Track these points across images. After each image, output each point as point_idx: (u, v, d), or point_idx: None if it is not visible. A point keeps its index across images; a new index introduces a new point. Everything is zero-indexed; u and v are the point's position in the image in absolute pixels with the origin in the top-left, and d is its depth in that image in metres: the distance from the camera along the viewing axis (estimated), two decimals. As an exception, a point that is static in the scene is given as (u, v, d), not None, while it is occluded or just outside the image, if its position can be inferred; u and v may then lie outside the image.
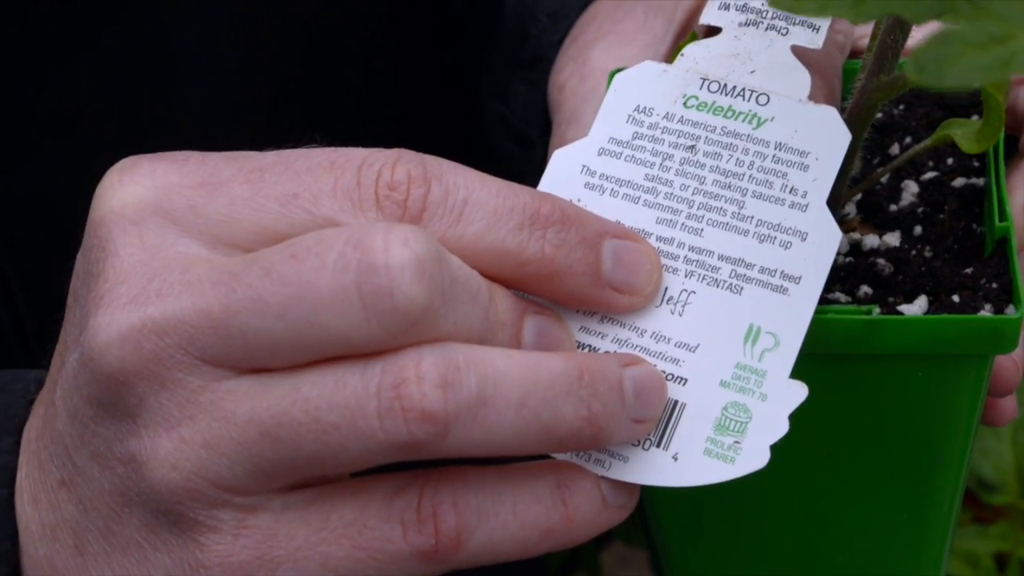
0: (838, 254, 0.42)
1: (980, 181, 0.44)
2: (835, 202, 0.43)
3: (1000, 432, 0.93)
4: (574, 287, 0.37)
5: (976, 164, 0.45)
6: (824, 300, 0.40)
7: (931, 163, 0.45)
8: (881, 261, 0.41)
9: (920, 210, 0.44)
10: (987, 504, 0.93)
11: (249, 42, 0.60)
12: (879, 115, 0.48)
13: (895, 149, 0.47)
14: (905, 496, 0.42)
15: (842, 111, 0.40)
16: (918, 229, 0.43)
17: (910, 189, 0.44)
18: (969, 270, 0.40)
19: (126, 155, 0.38)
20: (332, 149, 0.36)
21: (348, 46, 0.66)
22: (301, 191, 0.35)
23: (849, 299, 0.40)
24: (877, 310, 0.38)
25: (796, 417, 0.36)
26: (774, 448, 0.36)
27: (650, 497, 0.44)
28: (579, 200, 0.39)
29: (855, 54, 0.48)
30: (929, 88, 0.28)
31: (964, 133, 0.41)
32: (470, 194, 0.36)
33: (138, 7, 0.55)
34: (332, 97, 0.66)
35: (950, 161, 0.45)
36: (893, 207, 0.44)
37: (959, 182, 0.44)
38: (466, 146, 0.72)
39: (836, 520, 0.43)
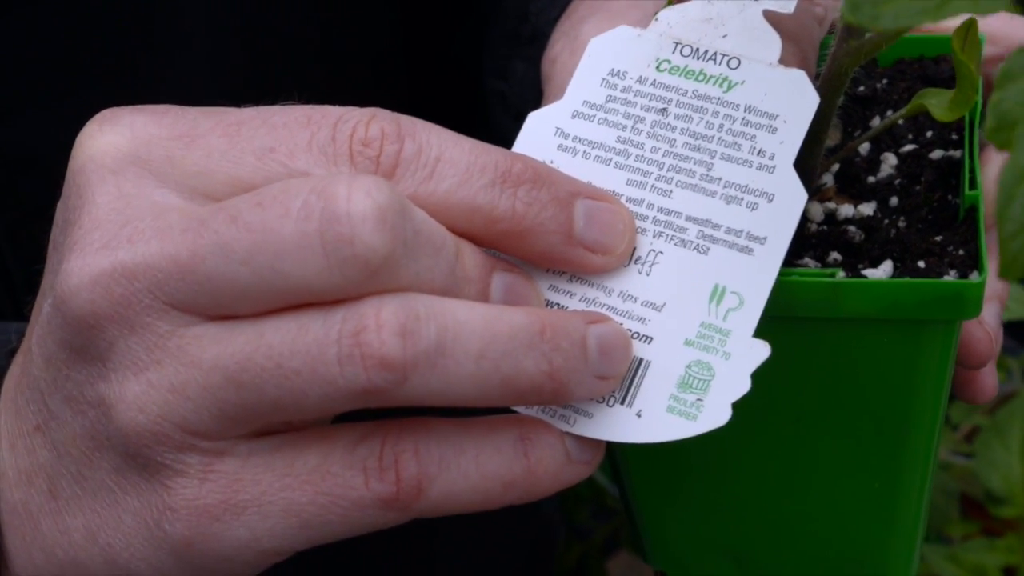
0: (812, 222, 0.42)
1: (958, 154, 0.44)
2: (811, 172, 0.43)
3: (1009, 444, 0.93)
4: (545, 246, 0.37)
5: (955, 137, 0.45)
6: (795, 266, 0.40)
7: (911, 136, 0.45)
8: (852, 228, 0.41)
9: (897, 181, 0.44)
10: (995, 517, 0.92)
11: (249, 13, 0.61)
12: (861, 88, 0.48)
13: (876, 122, 0.47)
14: (874, 465, 0.42)
15: (816, 80, 0.40)
16: (894, 200, 0.43)
17: (888, 161, 0.45)
18: (938, 238, 0.40)
19: (114, 106, 0.38)
20: (309, 106, 0.37)
21: (355, 22, 0.67)
22: (277, 145, 0.36)
23: (819, 265, 0.40)
24: (841, 274, 0.38)
25: (763, 381, 0.36)
26: (741, 411, 0.36)
27: (623, 462, 0.45)
28: (552, 161, 0.40)
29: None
30: (861, 26, 0.28)
31: (938, 102, 0.41)
32: (443, 152, 0.36)
33: None
34: (336, 74, 0.67)
35: (929, 133, 0.45)
36: (871, 178, 0.44)
37: (937, 154, 0.44)
38: (471, 126, 0.73)
39: (807, 488, 0.44)
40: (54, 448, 0.37)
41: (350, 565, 0.65)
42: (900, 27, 0.27)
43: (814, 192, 0.43)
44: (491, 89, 0.66)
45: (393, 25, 0.70)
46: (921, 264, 0.39)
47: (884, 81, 0.48)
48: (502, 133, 0.66)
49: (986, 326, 0.42)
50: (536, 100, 0.61)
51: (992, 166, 0.44)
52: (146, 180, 0.36)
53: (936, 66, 0.48)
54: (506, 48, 0.65)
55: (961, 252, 0.39)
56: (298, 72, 0.64)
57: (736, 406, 0.36)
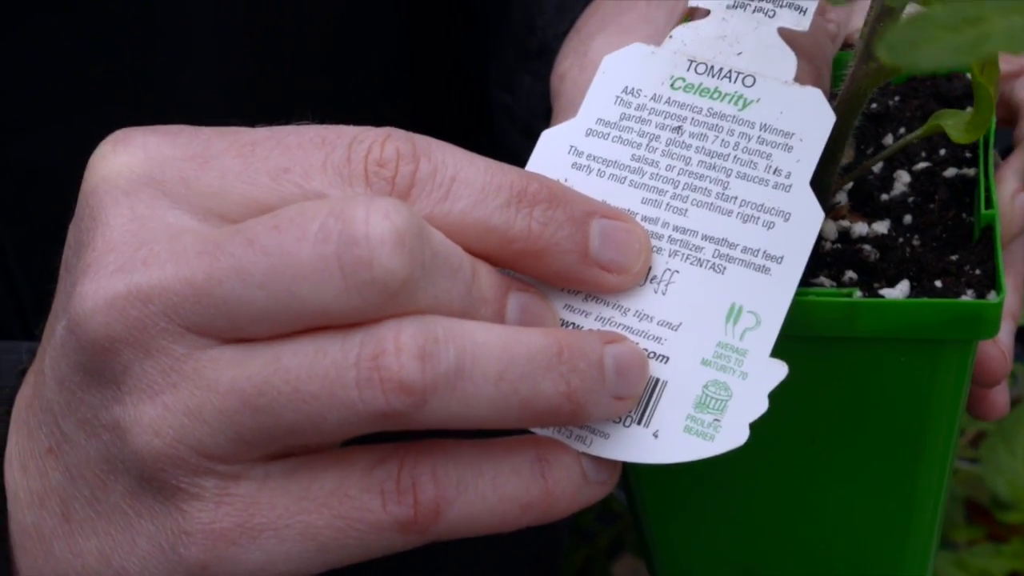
0: (826, 241, 0.42)
1: (971, 171, 0.44)
2: (825, 190, 0.43)
3: (1014, 449, 0.93)
4: (561, 265, 0.37)
5: (968, 155, 0.45)
6: (810, 285, 0.40)
7: (924, 153, 0.45)
8: (867, 247, 0.41)
9: (911, 199, 0.44)
10: (1001, 522, 0.92)
11: (259, 27, 0.61)
12: (873, 106, 0.48)
13: (889, 140, 0.47)
14: (889, 483, 0.42)
15: (832, 99, 0.40)
16: (908, 218, 0.43)
17: (902, 179, 0.45)
18: (954, 257, 0.40)
19: (124, 123, 0.38)
20: (324, 126, 0.37)
21: (362, 35, 0.67)
22: (292, 166, 0.36)
23: (834, 284, 0.40)
24: (858, 293, 0.38)
25: (779, 401, 0.36)
26: (757, 430, 0.36)
27: (637, 480, 0.45)
28: (566, 180, 0.40)
29: (850, 46, 0.48)
30: (904, 70, 0.28)
31: (955, 123, 0.41)
32: (458, 172, 0.36)
33: None
34: (344, 87, 0.67)
35: (943, 151, 0.45)
36: (884, 196, 0.44)
37: (950, 172, 0.44)
38: (477, 137, 0.73)
39: (820, 507, 0.43)
40: (67, 471, 0.37)
41: (354, 566, 0.64)
42: (937, 67, 0.26)
43: (828, 210, 0.43)
44: (498, 101, 0.66)
45: (399, 36, 0.70)
46: (938, 284, 0.38)
47: (896, 98, 0.48)
48: (508, 146, 0.66)
49: (1000, 345, 0.42)
50: (543, 114, 0.61)
51: (1006, 185, 0.43)
52: (160, 201, 0.36)
53: (949, 83, 0.48)
54: (513, 60, 0.65)
55: (978, 271, 0.39)
56: (306, 84, 0.64)
57: (752, 424, 0.36)
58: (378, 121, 0.70)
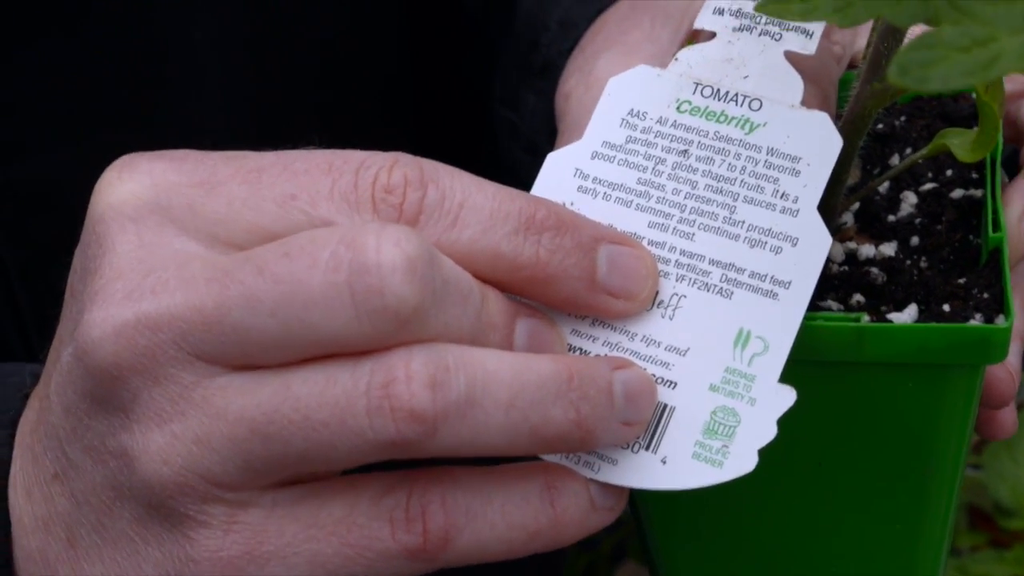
0: (833, 263, 0.42)
1: (979, 192, 0.44)
2: (831, 211, 0.43)
3: (1017, 456, 0.93)
4: (569, 292, 0.37)
5: (975, 176, 0.45)
6: (817, 308, 0.40)
7: (931, 174, 0.45)
8: (875, 270, 0.41)
9: (918, 221, 0.44)
10: (1004, 528, 0.92)
11: (261, 47, 0.61)
12: (879, 126, 0.48)
13: (895, 160, 0.47)
14: (897, 507, 0.42)
15: (837, 121, 0.40)
16: (915, 240, 0.43)
17: (909, 200, 0.45)
18: (962, 280, 0.40)
19: (129, 146, 0.38)
20: (331, 151, 0.37)
21: (364, 52, 0.67)
22: (299, 192, 0.36)
23: (842, 307, 0.40)
24: (866, 318, 0.38)
25: (788, 425, 0.36)
26: (765, 454, 0.36)
27: (644, 504, 0.45)
28: (571, 203, 0.40)
29: (854, 67, 0.48)
30: (911, 91, 0.28)
31: (960, 142, 0.41)
32: (466, 198, 0.36)
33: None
34: (346, 104, 0.67)
35: (949, 172, 0.45)
36: (891, 217, 0.44)
37: (957, 193, 0.44)
38: (478, 153, 0.73)
39: (829, 530, 0.43)
40: (73, 497, 0.36)
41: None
42: (948, 89, 0.26)
43: (835, 232, 0.43)
44: (501, 118, 0.66)
45: (402, 53, 0.70)
46: (946, 308, 0.38)
47: (903, 118, 0.48)
48: (511, 162, 0.66)
49: (1009, 366, 0.42)
50: (547, 132, 0.61)
51: (1014, 207, 0.43)
52: (167, 228, 0.36)
53: (955, 103, 0.48)
54: (516, 78, 0.65)
55: (986, 295, 0.39)
56: (309, 102, 0.64)
57: (760, 450, 0.36)
58: (381, 137, 0.70)
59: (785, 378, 0.36)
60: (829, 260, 0.42)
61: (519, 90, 0.64)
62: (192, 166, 0.37)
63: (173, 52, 0.57)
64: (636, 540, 0.95)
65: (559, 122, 0.54)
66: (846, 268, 0.42)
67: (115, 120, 0.56)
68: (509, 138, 0.65)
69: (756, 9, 0.32)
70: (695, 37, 0.44)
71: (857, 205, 0.44)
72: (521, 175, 0.63)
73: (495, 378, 0.34)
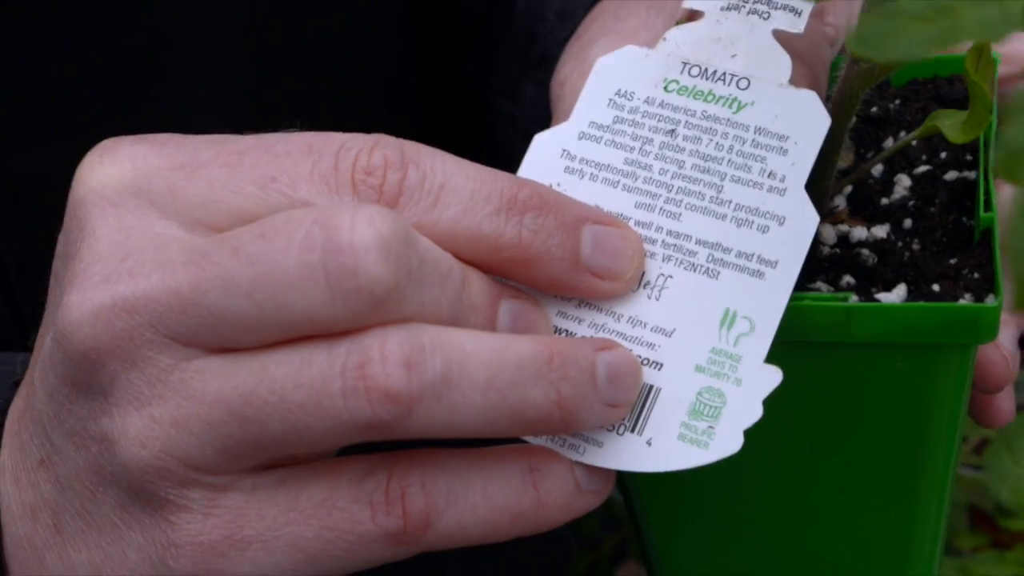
0: (824, 246, 0.42)
1: (972, 174, 0.43)
2: (823, 194, 0.42)
3: (1018, 456, 0.92)
4: (552, 272, 0.37)
5: (969, 158, 0.44)
6: (807, 290, 0.40)
7: (924, 157, 0.45)
8: (865, 252, 0.40)
9: (911, 203, 0.43)
10: (1005, 529, 0.92)
11: (261, 41, 0.60)
12: (873, 109, 0.47)
13: (889, 143, 0.46)
14: (890, 491, 0.41)
15: (828, 102, 0.40)
16: (908, 222, 0.42)
17: (902, 183, 0.44)
18: (953, 261, 0.39)
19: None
20: (312, 133, 0.37)
21: (366, 47, 0.67)
22: (279, 174, 0.36)
23: (831, 288, 0.40)
24: (854, 298, 0.38)
25: (777, 407, 0.36)
26: (755, 438, 0.35)
27: (637, 493, 0.44)
28: (558, 184, 0.39)
29: (849, 47, 0.47)
30: (868, 60, 0.27)
31: (951, 123, 0.40)
32: (447, 179, 0.36)
33: None
34: (348, 99, 0.67)
35: (943, 155, 0.45)
36: (884, 200, 0.44)
37: (951, 175, 0.44)
38: (481, 146, 0.73)
39: (822, 516, 0.43)
40: (58, 483, 0.36)
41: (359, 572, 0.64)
42: (908, 59, 0.26)
43: (826, 214, 0.43)
44: (500, 110, 0.66)
45: (403, 47, 0.70)
46: (936, 287, 0.38)
47: (897, 101, 0.47)
48: (511, 155, 0.65)
49: (1002, 349, 0.41)
50: (545, 122, 0.60)
51: (1008, 188, 0.43)
52: (147, 212, 0.36)
53: (950, 86, 0.47)
54: (515, 69, 0.65)
55: (976, 275, 0.38)
56: (309, 97, 0.64)
57: (749, 432, 0.35)
58: (382, 130, 0.70)
59: (773, 359, 0.36)
60: (820, 242, 0.42)
61: (518, 82, 0.64)
62: (173, 149, 0.37)
63: (171, 45, 0.57)
64: (637, 541, 0.94)
65: (553, 109, 0.54)
66: (837, 250, 0.41)
67: (112, 114, 0.56)
68: (508, 129, 0.65)
69: None
70: (689, 18, 0.44)
71: (850, 188, 0.44)
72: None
73: (473, 358, 0.33)
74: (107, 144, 0.37)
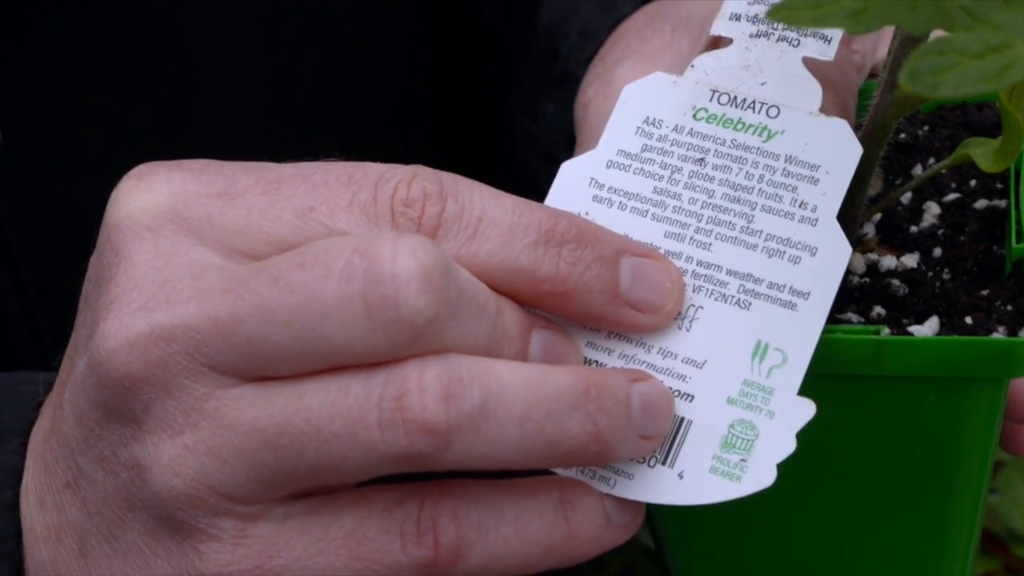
0: (854, 275, 0.42)
1: (1003, 203, 0.43)
2: (853, 222, 0.42)
3: (1031, 483, 0.92)
4: (590, 305, 0.36)
5: (1000, 186, 0.44)
6: (837, 321, 0.39)
7: (954, 184, 0.45)
8: (896, 282, 0.40)
9: (940, 232, 0.43)
10: (1018, 556, 0.91)
11: (277, 57, 0.61)
12: (902, 136, 0.47)
13: (918, 170, 0.46)
14: (920, 523, 0.41)
15: (857, 130, 0.40)
16: (937, 251, 0.42)
17: (931, 211, 0.44)
18: (985, 292, 0.39)
19: (145, 162, 0.38)
20: (350, 163, 0.37)
21: (380, 62, 0.67)
22: (318, 204, 0.35)
23: (862, 320, 0.39)
24: (886, 331, 0.37)
25: (807, 438, 0.35)
26: (783, 468, 0.35)
27: (662, 520, 0.44)
28: (587, 213, 0.39)
29: (875, 76, 0.47)
30: (930, 99, 0.27)
31: (983, 152, 0.40)
32: (485, 211, 0.36)
33: (160, 17, 0.56)
34: (363, 114, 0.67)
35: (973, 183, 0.45)
36: (914, 228, 0.43)
37: (981, 204, 0.43)
38: (496, 162, 0.73)
39: (850, 547, 0.43)
40: (84, 507, 0.36)
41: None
42: (962, 95, 0.26)
43: (856, 243, 0.43)
44: (520, 128, 0.66)
45: (418, 64, 0.70)
46: (968, 320, 0.38)
47: (926, 128, 0.47)
48: (530, 172, 0.66)
49: (1033, 380, 0.41)
50: (566, 142, 0.60)
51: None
52: (184, 238, 0.36)
53: (979, 112, 0.47)
54: (536, 87, 0.64)
55: (1009, 307, 0.38)
56: (328, 116, 0.64)
57: (779, 464, 0.35)
58: (399, 148, 0.70)
59: (804, 391, 0.36)
60: (850, 271, 0.42)
61: (538, 100, 0.64)
62: (211, 176, 0.37)
63: (200, 71, 0.57)
64: (643, 561, 0.94)
65: (578, 132, 0.54)
66: (867, 280, 0.41)
67: (136, 140, 0.56)
68: (528, 148, 0.65)
69: (768, 16, 0.31)
70: (715, 44, 0.44)
71: (879, 216, 0.44)
72: (540, 185, 0.63)
73: (510, 390, 0.33)
74: (144, 169, 0.37)
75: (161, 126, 0.57)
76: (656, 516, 0.43)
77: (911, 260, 0.42)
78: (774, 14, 0.30)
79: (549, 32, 0.64)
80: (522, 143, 0.66)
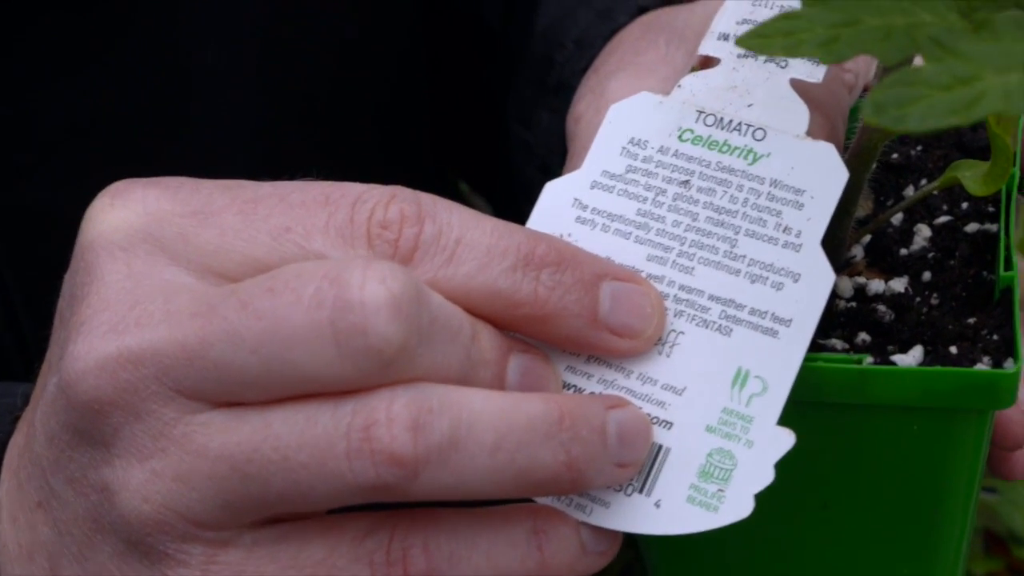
0: (841, 299, 0.41)
1: (994, 227, 0.43)
2: (840, 244, 0.42)
3: (1032, 484, 0.91)
4: (569, 330, 0.36)
5: (991, 209, 0.44)
6: (821, 347, 0.39)
7: (945, 207, 0.44)
8: (882, 308, 0.40)
9: (931, 255, 0.42)
10: (1019, 557, 0.91)
11: (273, 62, 0.60)
12: (894, 156, 0.46)
13: (910, 191, 0.45)
14: (906, 551, 0.41)
15: (846, 152, 0.39)
16: (927, 275, 0.41)
17: (922, 233, 0.43)
18: (972, 320, 0.39)
19: (136, 170, 0.38)
20: (329, 183, 0.36)
21: (378, 65, 0.66)
22: (293, 225, 0.35)
23: (847, 346, 0.39)
24: (869, 359, 0.37)
25: (790, 465, 0.35)
26: (768, 494, 0.35)
27: (646, 544, 0.44)
28: (570, 235, 0.39)
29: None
30: (885, 130, 0.26)
31: (972, 175, 0.39)
32: (463, 234, 0.35)
33: (151, 22, 0.55)
34: (359, 117, 0.66)
35: (965, 205, 0.44)
36: (904, 251, 0.43)
37: (972, 227, 0.43)
38: (494, 170, 0.72)
39: (836, 574, 0.42)
40: (55, 527, 0.36)
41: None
42: (926, 129, 0.25)
43: (843, 266, 0.42)
44: (516, 137, 0.66)
45: (417, 74, 0.69)
46: (953, 350, 0.37)
47: (918, 148, 0.47)
48: (525, 181, 0.65)
49: (1022, 407, 0.41)
50: (560, 151, 0.60)
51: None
52: (157, 258, 0.35)
53: (973, 133, 0.46)
54: (532, 96, 0.64)
55: (995, 337, 0.37)
56: (324, 119, 0.64)
57: (759, 494, 0.35)
58: (397, 150, 0.69)
59: (786, 418, 0.35)
60: (837, 295, 0.41)
61: (534, 108, 0.63)
62: (186, 195, 0.36)
63: (192, 76, 0.57)
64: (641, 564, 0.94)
65: (569, 145, 0.53)
66: (854, 304, 0.41)
67: (124, 148, 0.55)
68: (523, 157, 0.65)
69: (738, 43, 0.31)
70: (706, 64, 0.44)
71: (868, 238, 0.43)
72: (534, 194, 0.63)
73: (481, 419, 0.33)
74: (119, 187, 0.37)
75: (152, 132, 0.56)
76: (640, 539, 0.43)
77: (899, 284, 0.41)
78: (745, 42, 0.30)
79: (546, 39, 0.63)
80: (518, 152, 0.65)
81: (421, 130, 0.71)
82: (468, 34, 0.70)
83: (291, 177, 0.37)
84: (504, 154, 0.67)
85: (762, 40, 0.29)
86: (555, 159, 0.61)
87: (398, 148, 0.69)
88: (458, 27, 0.70)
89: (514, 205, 0.69)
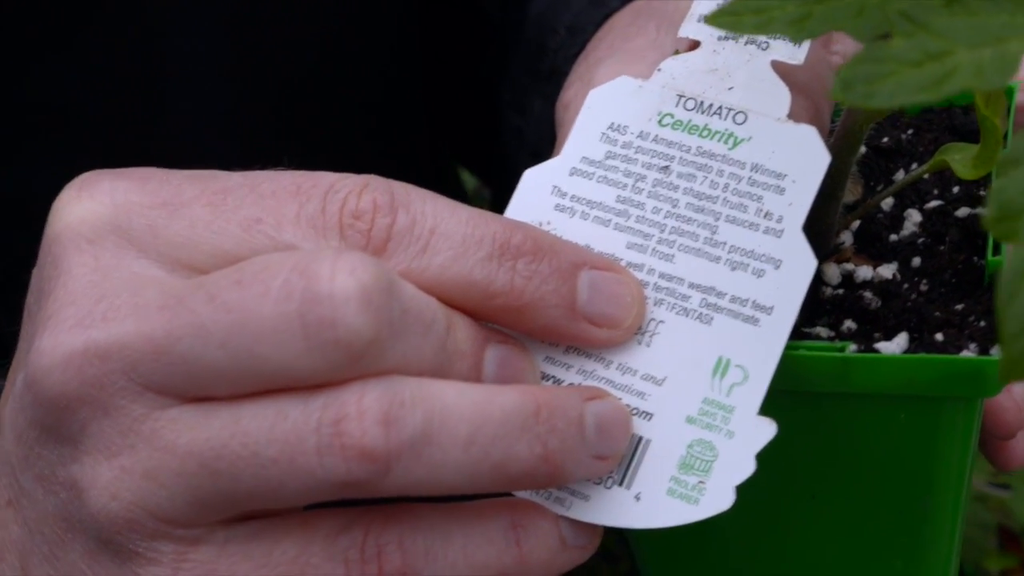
0: (828, 286, 0.40)
1: (985, 211, 0.42)
2: (827, 230, 0.41)
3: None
4: (547, 320, 0.35)
5: (982, 193, 0.43)
6: (807, 335, 0.38)
7: (936, 191, 0.43)
8: (868, 294, 0.39)
9: (921, 240, 0.41)
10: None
11: (247, 48, 0.59)
12: (885, 140, 0.46)
13: (900, 175, 0.45)
14: (897, 541, 0.40)
15: (831, 135, 0.38)
16: (916, 260, 0.41)
17: (912, 218, 0.42)
18: (959, 306, 0.38)
19: (110, 158, 0.37)
20: (300, 173, 0.36)
21: (365, 54, 0.65)
22: (264, 216, 0.34)
23: (832, 334, 0.38)
24: (852, 347, 0.36)
25: (776, 455, 0.34)
26: (756, 484, 0.34)
27: (634, 538, 0.43)
28: (548, 223, 0.38)
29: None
30: (853, 106, 0.26)
31: (961, 158, 0.39)
32: (437, 224, 0.35)
33: (121, 7, 0.55)
34: (345, 106, 0.65)
35: (956, 189, 0.43)
36: (893, 237, 0.42)
37: (963, 212, 0.42)
38: (488, 158, 0.71)
39: (825, 566, 0.41)
40: (26, 525, 0.35)
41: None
42: (896, 106, 0.24)
43: (831, 252, 0.41)
44: (509, 124, 0.65)
45: (411, 63, 0.68)
46: (939, 336, 0.36)
47: (910, 132, 0.46)
48: (517, 169, 0.64)
49: (1015, 395, 0.40)
50: (551, 138, 0.59)
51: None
52: (125, 251, 0.35)
53: (965, 116, 0.45)
54: (525, 82, 0.63)
55: (983, 323, 0.36)
56: (307, 106, 0.63)
57: (749, 479, 0.34)
58: (388, 142, 0.68)
59: (770, 408, 0.34)
60: (824, 282, 0.40)
61: (526, 95, 0.63)
62: (155, 186, 0.35)
63: (165, 61, 0.56)
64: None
65: (558, 132, 0.53)
66: (840, 291, 0.40)
67: (99, 134, 0.55)
68: (516, 144, 0.64)
69: (707, 22, 0.30)
70: (694, 47, 0.43)
71: (857, 223, 0.42)
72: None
73: (454, 412, 0.32)
74: (87, 178, 0.36)
75: (125, 118, 0.56)
76: (628, 534, 0.42)
77: (888, 271, 0.40)
78: (714, 20, 0.29)
79: (539, 23, 0.62)
80: (511, 139, 0.65)
81: (417, 124, 0.70)
82: (466, 23, 0.69)
83: (264, 166, 0.37)
84: (498, 146, 0.67)
85: (732, 18, 0.28)
86: (547, 146, 0.60)
87: (391, 141, 0.68)
88: (457, 16, 0.69)
89: (511, 193, 0.68)
